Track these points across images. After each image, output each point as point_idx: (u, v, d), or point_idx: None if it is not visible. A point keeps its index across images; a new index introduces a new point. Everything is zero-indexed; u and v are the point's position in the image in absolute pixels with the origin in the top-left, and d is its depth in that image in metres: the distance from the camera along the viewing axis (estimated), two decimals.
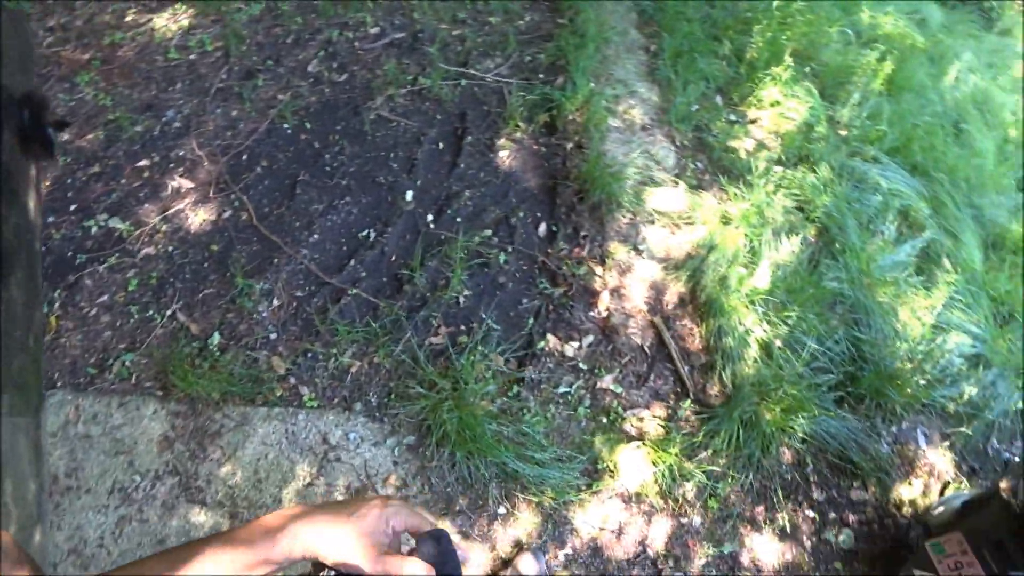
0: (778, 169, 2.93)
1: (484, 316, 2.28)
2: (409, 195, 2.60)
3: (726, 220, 2.60)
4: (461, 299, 2.33)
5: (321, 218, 2.51)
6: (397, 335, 2.22)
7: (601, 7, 3.42)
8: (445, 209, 2.56)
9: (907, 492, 2.31)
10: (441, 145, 2.77)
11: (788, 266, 2.59)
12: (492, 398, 2.09)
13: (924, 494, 2.34)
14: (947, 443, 2.50)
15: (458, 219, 2.52)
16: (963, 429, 2.48)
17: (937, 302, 2.78)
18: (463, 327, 2.27)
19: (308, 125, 2.80)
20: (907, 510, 2.31)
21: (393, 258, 2.45)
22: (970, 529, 1.78)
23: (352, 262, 2.41)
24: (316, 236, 2.47)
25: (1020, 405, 2.56)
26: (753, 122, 3.17)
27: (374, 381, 2.15)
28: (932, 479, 2.40)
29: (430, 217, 2.55)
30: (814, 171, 2.95)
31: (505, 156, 2.72)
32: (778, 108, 3.17)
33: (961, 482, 2.38)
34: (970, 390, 2.56)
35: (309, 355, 2.18)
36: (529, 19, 3.28)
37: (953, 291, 2.82)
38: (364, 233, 2.49)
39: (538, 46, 3.13)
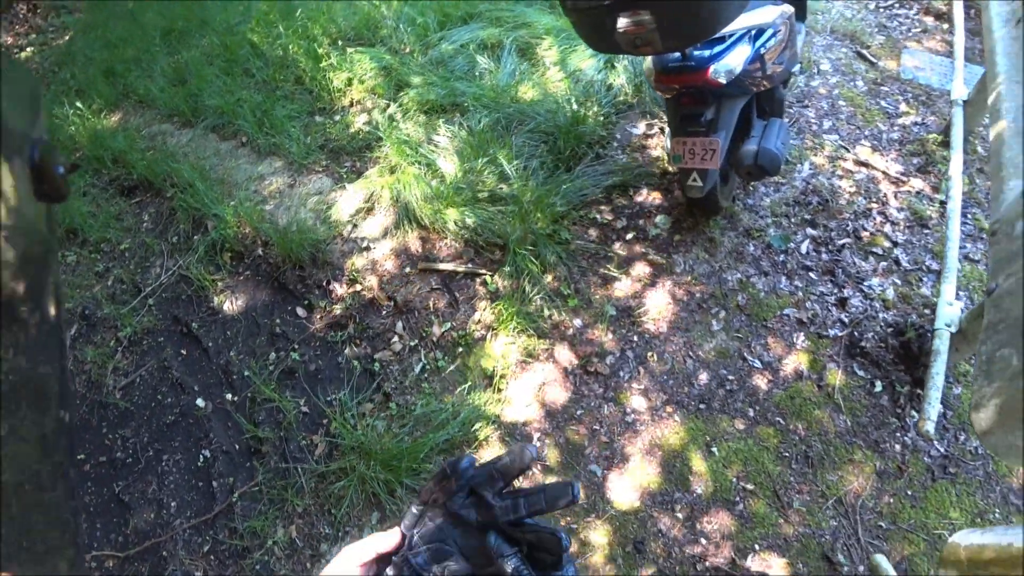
0: (393, 108, 3.33)
1: (328, 398, 2.40)
2: (200, 402, 2.63)
3: (392, 170, 2.93)
4: (303, 409, 2.42)
5: (163, 491, 2.47)
6: (293, 480, 2.27)
7: (178, 153, 3.62)
8: (231, 379, 2.63)
9: (656, 156, 2.78)
10: (184, 351, 2.82)
11: (462, 146, 2.97)
12: (386, 426, 2.21)
13: None
14: (646, 117, 3.02)
15: (245, 373, 2.61)
16: (642, 97, 3.01)
17: (557, 63, 3.33)
18: (324, 420, 2.37)
19: (81, 456, 2.72)
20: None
21: (236, 447, 2.48)
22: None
23: (215, 484, 2.41)
24: (173, 503, 2.43)
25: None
26: (351, 104, 3.55)
27: (317, 522, 2.19)
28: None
29: (228, 396, 2.61)
30: (414, 85, 3.40)
31: (231, 305, 2.84)
32: (357, 79, 3.58)
33: None
34: (620, 80, 3.11)
35: (259, 567, 2.17)
36: (147, 216, 3.42)
37: (559, 50, 3.39)
38: (200, 461, 2.49)
39: (172, 224, 3.28)
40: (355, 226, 2.85)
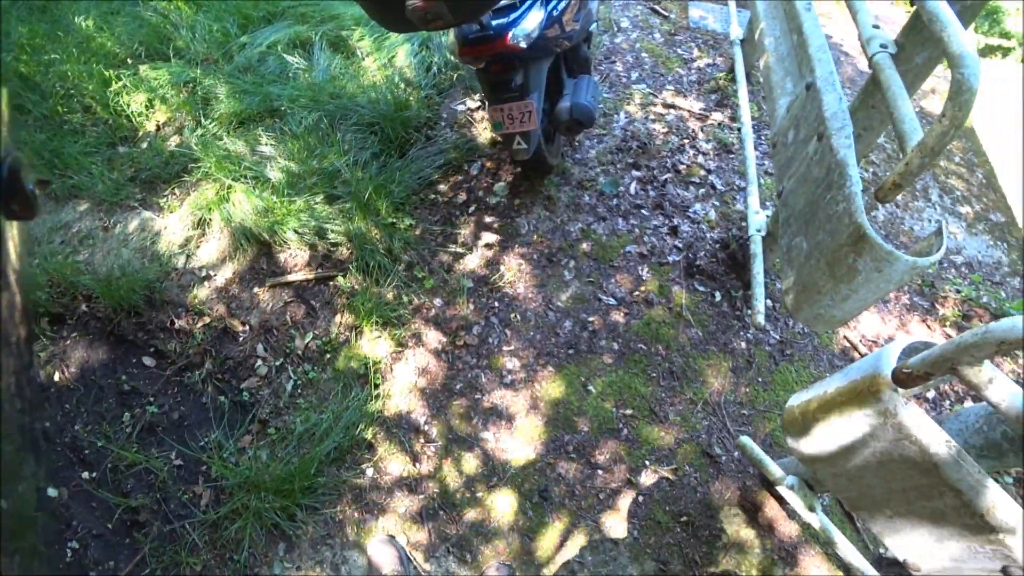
0: (206, 124, 3.09)
1: (201, 443, 2.23)
2: (51, 491, 2.32)
3: (217, 190, 2.73)
4: (176, 463, 2.23)
5: None
6: (184, 539, 2.10)
7: None
8: (83, 455, 2.34)
9: (483, 128, 2.86)
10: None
11: (287, 151, 2.83)
12: (270, 453, 2.11)
13: None
14: (469, 92, 3.08)
15: (99, 444, 2.34)
16: (461, 74, 3.06)
17: (372, 53, 3.28)
18: (202, 467, 2.20)
19: None
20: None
21: (108, 527, 2.23)
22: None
23: (93, 575, 2.16)
24: None
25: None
26: (158, 128, 3.25)
27: (220, 574, 2.04)
28: None
29: (85, 474, 2.32)
30: (222, 96, 3.17)
31: (62, 374, 2.51)
32: (158, 99, 3.26)
33: None
34: (437, 60, 3.14)
35: None
36: None
37: (372, 39, 3.34)
38: (68, 556, 2.20)
39: None
40: (189, 256, 2.64)
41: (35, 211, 0.57)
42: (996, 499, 1.09)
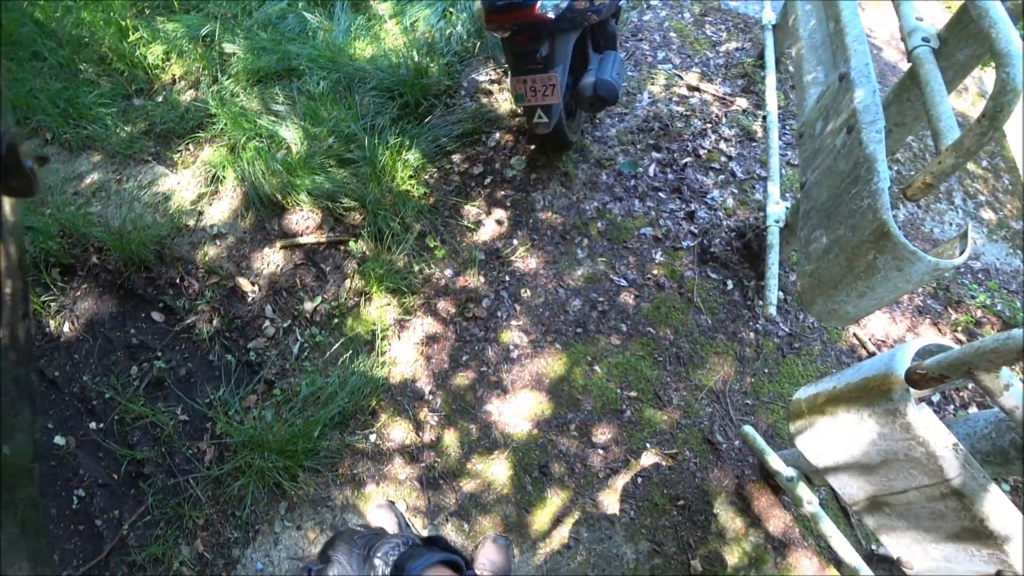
0: (223, 80, 3.05)
1: (207, 400, 2.26)
2: (59, 439, 2.36)
3: (232, 147, 2.71)
4: (181, 418, 2.26)
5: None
6: (187, 493, 2.13)
7: None
8: (91, 406, 2.38)
9: (503, 99, 2.81)
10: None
11: (304, 112, 2.80)
12: (275, 414, 2.13)
13: None
14: (490, 62, 3.02)
15: (106, 395, 2.37)
16: (483, 43, 3.00)
17: (394, 16, 3.21)
18: (207, 423, 2.23)
19: None
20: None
21: (114, 477, 2.27)
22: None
23: (98, 522, 2.20)
24: (55, 558, 2.19)
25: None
26: (174, 81, 3.21)
27: (223, 528, 2.08)
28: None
29: (92, 424, 2.36)
30: (240, 52, 3.13)
31: (72, 325, 2.54)
32: (175, 51, 3.22)
33: None
34: (459, 28, 3.07)
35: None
36: None
37: (394, 2, 3.27)
38: (74, 503, 2.25)
39: None
40: (201, 214, 2.63)
41: (34, 188, 0.55)
42: (998, 505, 1.09)
